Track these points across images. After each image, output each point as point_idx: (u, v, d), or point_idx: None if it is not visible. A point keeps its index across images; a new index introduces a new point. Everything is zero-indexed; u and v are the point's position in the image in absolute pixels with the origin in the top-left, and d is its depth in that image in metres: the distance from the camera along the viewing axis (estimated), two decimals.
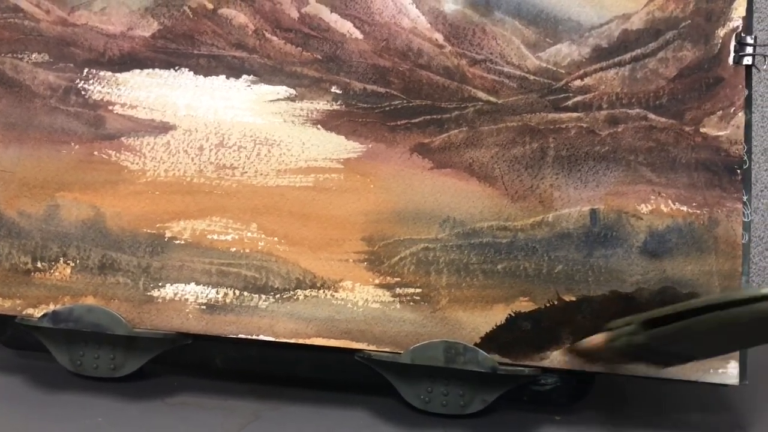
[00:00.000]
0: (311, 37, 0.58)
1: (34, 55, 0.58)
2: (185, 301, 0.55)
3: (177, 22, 0.58)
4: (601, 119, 0.56)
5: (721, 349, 0.52)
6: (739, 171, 0.56)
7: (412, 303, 0.55)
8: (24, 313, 0.55)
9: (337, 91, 0.57)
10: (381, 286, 0.55)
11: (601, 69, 0.57)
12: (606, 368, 0.54)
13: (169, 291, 0.55)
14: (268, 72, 0.57)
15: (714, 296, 0.52)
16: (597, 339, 0.52)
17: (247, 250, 0.56)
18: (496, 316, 0.54)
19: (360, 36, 0.57)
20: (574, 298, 0.54)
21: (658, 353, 0.50)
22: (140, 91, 0.57)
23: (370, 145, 0.56)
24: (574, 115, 0.56)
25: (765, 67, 0.58)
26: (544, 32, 0.57)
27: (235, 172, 0.56)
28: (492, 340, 0.54)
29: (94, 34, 0.58)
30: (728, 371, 0.54)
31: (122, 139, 0.57)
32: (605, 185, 0.56)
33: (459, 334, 0.54)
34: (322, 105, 0.57)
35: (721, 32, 0.57)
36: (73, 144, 0.57)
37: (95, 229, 0.56)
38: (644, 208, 0.55)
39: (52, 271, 0.56)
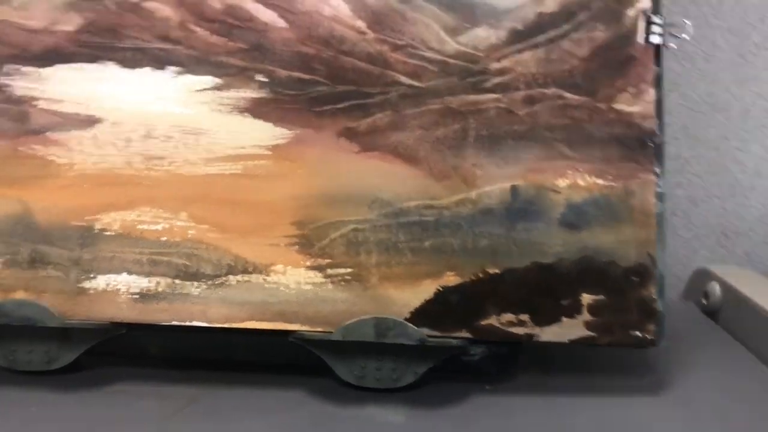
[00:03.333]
0: (235, 27, 0.59)
1: None
2: (118, 291, 0.56)
3: (100, 16, 0.58)
4: (519, 99, 0.59)
5: None
6: (651, 144, 0.59)
7: (343, 283, 0.56)
8: None
9: (263, 79, 0.58)
10: (312, 267, 0.56)
11: (518, 51, 0.59)
12: (529, 338, 0.56)
13: (101, 282, 0.56)
14: (193, 63, 0.58)
15: None
16: None
17: (178, 239, 0.56)
18: (425, 291, 0.56)
19: (283, 24, 0.59)
20: (498, 271, 0.57)
21: None
22: (65, 86, 0.57)
23: (297, 131, 0.58)
24: (493, 96, 0.58)
25: (673, 45, 0.62)
26: (462, 17, 0.59)
27: (163, 162, 0.57)
28: (421, 315, 0.56)
29: (14, 30, 0.58)
30: (647, 333, 0.57)
31: (48, 133, 0.57)
32: (524, 162, 0.58)
33: (390, 310, 0.56)
34: (249, 93, 0.58)
35: (631, 12, 0.59)
36: None
37: (23, 224, 0.56)
38: (562, 183, 0.58)
39: None
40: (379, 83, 0.58)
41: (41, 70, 0.58)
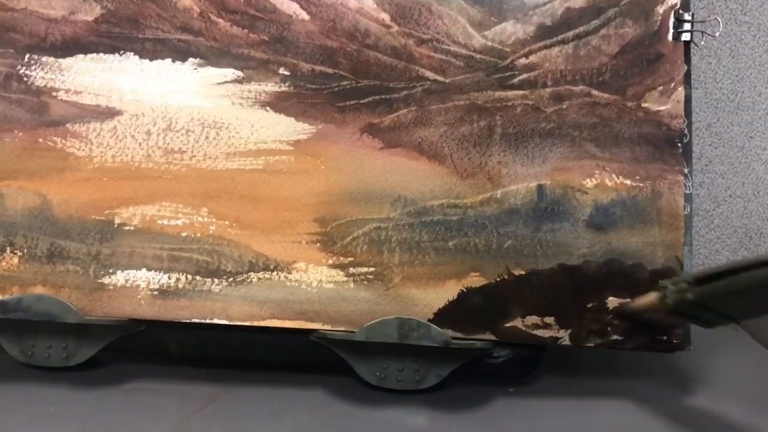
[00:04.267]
0: (257, 18, 0.57)
1: None
2: (137, 287, 0.55)
3: (120, 6, 0.57)
4: (546, 96, 0.57)
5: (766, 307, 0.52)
6: (680, 144, 0.57)
7: (365, 282, 0.55)
8: None
9: (285, 73, 0.57)
10: (334, 266, 0.55)
11: (545, 47, 0.58)
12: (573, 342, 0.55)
13: (120, 278, 0.55)
14: (214, 54, 0.57)
15: (764, 254, 0.52)
16: (649, 297, 0.53)
17: (198, 235, 0.55)
18: (448, 291, 0.55)
19: (307, 17, 0.57)
20: (523, 272, 0.56)
21: (707, 311, 0.51)
22: (84, 77, 0.56)
23: (319, 126, 0.56)
24: (520, 92, 0.57)
25: (703, 42, 0.60)
26: (489, 11, 0.58)
27: (183, 156, 0.56)
28: (445, 316, 0.55)
29: (34, 19, 0.57)
30: (673, 338, 0.56)
31: (67, 125, 0.56)
32: (551, 161, 0.57)
33: (412, 310, 0.55)
34: (271, 87, 0.57)
35: (661, 9, 0.58)
36: (16, 131, 0.56)
37: (42, 218, 0.55)
38: (589, 183, 0.57)
39: None
40: (404, 78, 0.57)
41: (61, 60, 0.57)
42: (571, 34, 0.58)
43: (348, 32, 0.57)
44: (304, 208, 0.56)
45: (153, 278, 0.55)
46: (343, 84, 0.57)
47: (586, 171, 0.57)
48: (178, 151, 0.56)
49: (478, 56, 0.57)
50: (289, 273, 0.55)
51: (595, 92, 0.58)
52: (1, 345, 0.55)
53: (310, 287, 0.55)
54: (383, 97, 0.57)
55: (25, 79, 0.56)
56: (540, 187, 0.57)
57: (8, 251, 0.55)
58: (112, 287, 0.55)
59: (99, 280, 0.55)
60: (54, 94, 0.56)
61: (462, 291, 0.55)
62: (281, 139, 0.56)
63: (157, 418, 0.51)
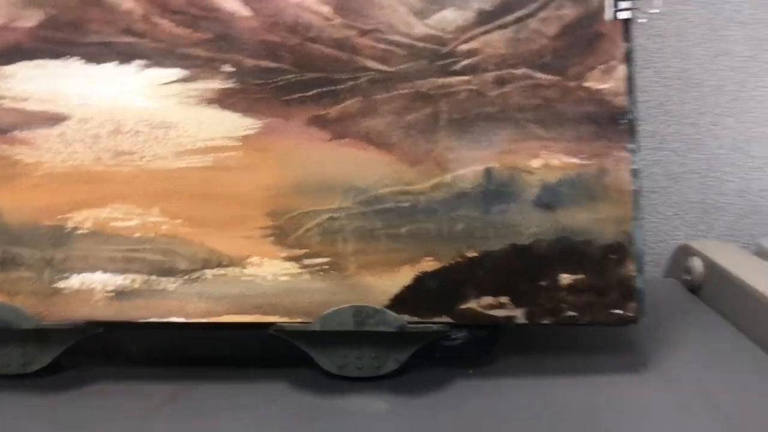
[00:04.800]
0: (200, 18, 0.58)
1: None
2: (93, 290, 0.55)
3: (62, 11, 0.58)
4: (489, 81, 0.58)
5: None
6: (623, 121, 0.59)
7: (321, 273, 0.56)
8: None
9: (230, 69, 0.57)
10: (289, 258, 0.56)
11: (486, 32, 0.59)
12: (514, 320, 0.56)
13: (75, 281, 0.55)
14: (159, 55, 0.57)
15: None
16: None
17: (152, 235, 0.56)
18: (404, 277, 0.56)
19: (248, 13, 0.58)
20: (476, 254, 0.56)
21: None
22: (29, 83, 0.57)
23: (266, 121, 0.57)
24: (463, 78, 0.58)
25: (644, 20, 0.61)
26: None
27: (133, 158, 0.56)
28: (401, 301, 0.56)
29: None
30: (627, 311, 0.57)
31: (15, 132, 0.56)
32: (497, 144, 0.58)
33: (369, 298, 0.55)
34: (216, 84, 0.57)
35: None
36: None
37: None
38: (535, 163, 0.58)
39: None
40: (348, 69, 0.58)
41: (4, 67, 0.57)
42: (510, 18, 0.59)
43: (290, 26, 0.58)
44: (255, 203, 0.56)
45: (108, 280, 0.55)
46: (287, 77, 0.57)
47: (531, 152, 0.58)
48: (127, 153, 0.56)
49: (420, 44, 0.58)
50: (244, 268, 0.55)
51: (536, 74, 0.59)
52: None
53: (266, 281, 0.55)
54: (328, 88, 0.57)
55: None
56: (488, 170, 0.57)
57: None
58: (67, 291, 0.55)
59: (54, 285, 0.55)
60: None
61: (417, 276, 0.56)
62: (229, 136, 0.57)
63: (118, 418, 0.51)
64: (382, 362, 0.56)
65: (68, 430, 0.50)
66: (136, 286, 0.55)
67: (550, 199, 0.57)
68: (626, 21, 0.59)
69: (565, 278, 0.57)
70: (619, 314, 0.57)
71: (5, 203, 0.55)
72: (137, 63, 0.57)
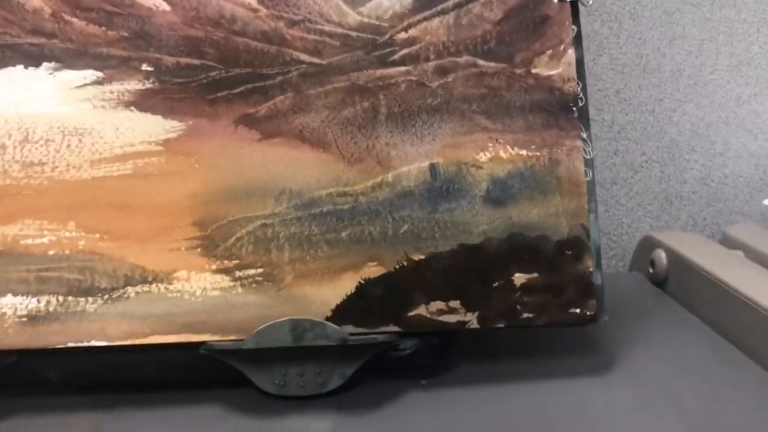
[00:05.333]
0: (115, 14, 0.53)
1: None
2: (3, 315, 0.50)
3: None
4: (430, 71, 0.54)
5: None
6: (575, 109, 0.55)
7: (254, 285, 0.51)
8: None
9: (149, 69, 0.53)
10: (219, 271, 0.51)
11: (425, 19, 0.55)
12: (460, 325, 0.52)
13: None
14: (71, 56, 0.53)
15: None
16: None
17: (67, 252, 0.51)
18: (346, 285, 0.52)
19: (167, 7, 0.53)
20: (422, 257, 0.53)
21: None
22: None
23: (190, 122, 0.53)
24: (402, 69, 0.54)
25: (590, 2, 0.58)
26: None
27: (44, 169, 0.52)
28: (344, 312, 0.52)
29: None
30: (586, 310, 0.53)
31: None
32: (442, 138, 0.54)
33: (308, 310, 0.51)
34: (134, 85, 0.53)
35: None
36: None
37: None
38: (483, 157, 0.54)
39: None
40: (277, 63, 0.53)
41: None
42: (450, 3, 0.55)
43: (213, 20, 0.53)
44: (180, 212, 0.52)
45: (20, 304, 0.50)
46: (211, 75, 0.53)
47: (479, 145, 0.54)
48: (38, 164, 0.52)
49: (355, 34, 0.54)
50: (170, 283, 0.51)
51: (481, 62, 0.55)
52: None
53: (194, 296, 0.51)
54: (257, 84, 0.53)
55: None
56: (432, 166, 0.54)
57: None
58: None
59: None
60: None
61: (360, 283, 0.52)
62: (149, 140, 0.52)
63: None
64: (326, 378, 0.51)
65: None
66: (51, 308, 0.50)
67: (500, 194, 0.54)
68: (573, 3, 0.56)
69: (519, 278, 0.53)
70: (578, 313, 0.54)
71: None
72: (47, 66, 0.52)
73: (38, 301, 0.50)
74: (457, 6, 0.55)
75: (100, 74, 0.53)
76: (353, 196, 0.53)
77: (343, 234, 0.52)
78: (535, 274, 0.53)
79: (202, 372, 0.53)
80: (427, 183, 0.53)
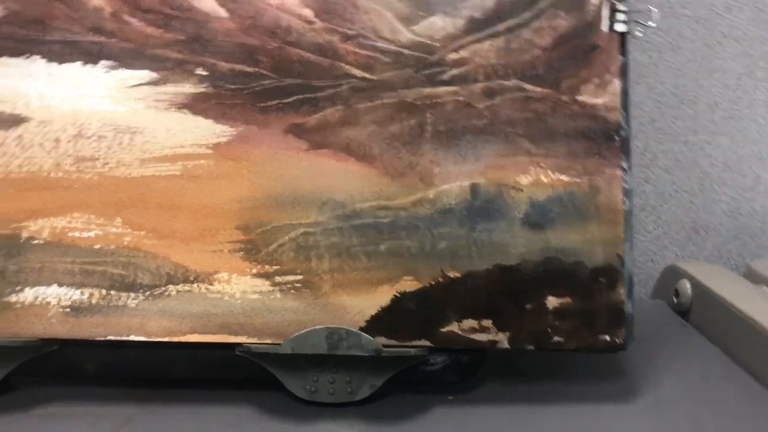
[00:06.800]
0: (173, 17, 0.54)
1: None
2: (47, 304, 0.51)
3: (26, 7, 0.54)
4: (478, 92, 0.55)
5: None
6: (617, 138, 0.56)
7: (293, 291, 0.52)
8: None
9: (203, 73, 0.54)
10: (259, 275, 0.52)
11: (476, 41, 0.56)
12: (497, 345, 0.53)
13: (28, 295, 0.51)
14: (128, 56, 0.54)
15: None
16: None
17: (113, 247, 0.52)
18: (381, 297, 0.53)
19: (225, 14, 0.55)
20: (458, 274, 0.53)
21: None
22: None
23: (240, 128, 0.54)
24: (451, 89, 0.55)
25: (640, 33, 0.59)
26: (416, 5, 0.55)
27: (95, 164, 0.53)
28: (378, 323, 0.52)
29: None
30: (616, 338, 0.54)
31: None
32: (484, 159, 0.55)
33: (344, 319, 0.52)
34: (188, 88, 0.54)
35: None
36: None
37: None
38: (524, 180, 0.55)
39: None
40: (329, 76, 0.55)
41: None
42: (502, 27, 0.56)
43: (269, 29, 0.54)
44: (225, 215, 0.53)
45: (64, 294, 0.51)
46: (264, 83, 0.54)
47: (520, 168, 0.55)
48: (89, 159, 0.53)
49: (407, 52, 0.55)
50: (211, 284, 0.52)
51: (528, 86, 0.56)
52: None
53: (234, 299, 0.52)
54: (308, 96, 0.54)
55: None
56: (474, 186, 0.54)
57: None
58: (19, 305, 0.51)
59: (5, 299, 0.51)
60: None
61: (395, 296, 0.53)
62: (200, 143, 0.53)
63: None
64: (356, 387, 0.52)
65: None
66: (94, 301, 0.51)
67: (539, 217, 0.54)
68: (622, 34, 0.57)
69: (552, 301, 0.54)
70: (607, 341, 0.54)
71: None
72: (104, 64, 0.54)
73: (82, 293, 0.52)
74: (508, 30, 0.56)
75: (155, 75, 0.54)
76: (394, 210, 0.54)
77: (382, 247, 0.53)
78: (568, 299, 0.54)
79: (234, 373, 0.54)
80: (467, 202, 0.54)
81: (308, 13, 0.55)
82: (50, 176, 0.52)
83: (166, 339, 0.51)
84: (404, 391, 0.54)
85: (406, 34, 0.55)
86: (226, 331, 0.52)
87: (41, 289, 0.51)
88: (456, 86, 0.55)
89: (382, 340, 0.52)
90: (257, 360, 0.52)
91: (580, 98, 0.56)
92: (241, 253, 0.52)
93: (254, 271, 0.52)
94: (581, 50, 0.56)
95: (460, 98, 0.55)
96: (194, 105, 0.54)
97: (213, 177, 0.53)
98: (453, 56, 0.55)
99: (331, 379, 0.52)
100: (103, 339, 0.51)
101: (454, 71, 0.55)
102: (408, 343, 0.52)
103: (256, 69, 0.54)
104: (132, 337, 0.51)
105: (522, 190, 0.55)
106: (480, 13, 0.56)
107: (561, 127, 0.55)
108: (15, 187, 0.52)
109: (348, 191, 0.54)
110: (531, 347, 0.53)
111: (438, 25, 0.56)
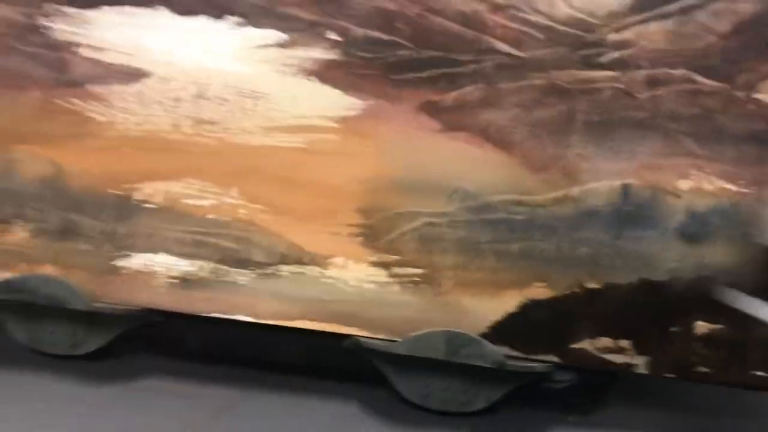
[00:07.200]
0: None
1: None
2: (155, 273, 0.49)
3: None
4: (640, 80, 0.49)
5: None
6: None
7: (411, 285, 0.48)
8: None
9: (335, 38, 0.49)
10: (377, 264, 0.48)
11: (643, 21, 0.49)
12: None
13: (136, 261, 0.49)
14: (256, 13, 0.50)
15: None
16: None
17: (227, 218, 0.49)
18: (507, 303, 0.48)
19: None
20: (597, 286, 0.48)
21: None
22: (110, 32, 0.50)
23: (370, 102, 0.49)
24: (609, 73, 0.49)
25: None
26: None
27: (215, 128, 0.50)
28: (501, 331, 0.48)
29: None
30: None
31: (88, 86, 0.50)
32: (640, 157, 0.48)
33: (464, 322, 0.48)
34: (318, 53, 0.49)
35: None
36: (32, 90, 0.50)
37: (55, 188, 0.49)
38: (683, 185, 0.48)
39: (6, 234, 0.49)
40: (472, 50, 0.49)
41: (85, 12, 0.50)
42: (674, 7, 0.49)
43: None
44: (346, 196, 0.49)
45: (174, 264, 0.49)
46: (400, 53, 0.49)
47: (680, 170, 0.48)
48: (209, 122, 0.50)
49: (562, 28, 0.49)
50: (325, 269, 0.48)
51: (698, 78, 0.49)
52: (7, 326, 0.50)
53: (348, 286, 0.48)
54: (446, 70, 0.49)
55: (43, 31, 0.50)
56: (625, 187, 0.48)
57: (18, 224, 0.49)
58: (126, 271, 0.49)
59: (112, 263, 0.49)
60: (74, 49, 0.50)
61: (524, 303, 0.48)
62: (326, 115, 0.49)
63: (163, 426, 0.45)
64: (471, 398, 0.48)
65: (103, 431, 0.44)
66: (203, 274, 0.49)
67: (696, 229, 0.48)
68: None
69: (701, 327, 0.48)
70: (761, 377, 0.48)
71: (70, 165, 0.49)
72: (231, 20, 0.50)
73: (191, 265, 0.49)
74: (681, 11, 0.49)
75: (284, 36, 0.50)
76: (531, 207, 0.48)
77: (514, 247, 0.48)
78: (720, 326, 0.47)
79: (342, 363, 0.50)
80: (615, 204, 0.48)
81: None
82: (168, 137, 0.50)
83: (274, 322, 0.48)
84: (521, 406, 0.50)
85: (563, 9, 0.49)
86: (337, 320, 0.48)
87: (149, 256, 0.49)
88: (615, 71, 0.49)
89: (504, 349, 0.47)
90: (367, 355, 0.48)
91: (758, 96, 0.48)
92: (360, 238, 0.48)
93: (372, 259, 0.48)
94: (765, 41, 0.49)
95: (619, 85, 0.49)
96: (323, 73, 0.49)
97: (337, 153, 0.49)
98: (614, 37, 0.49)
99: (444, 386, 0.48)
100: (209, 315, 0.48)
101: (615, 54, 0.49)
102: (533, 357, 0.47)
103: (392, 37, 0.49)
104: (239, 317, 0.48)
105: (680, 197, 0.48)
106: None
107: (731, 127, 0.48)
108: (131, 146, 0.50)
109: (481, 181, 0.49)
110: (672, 375, 0.47)
111: (600, 0, 0.49)
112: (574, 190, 0.49)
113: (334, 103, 0.50)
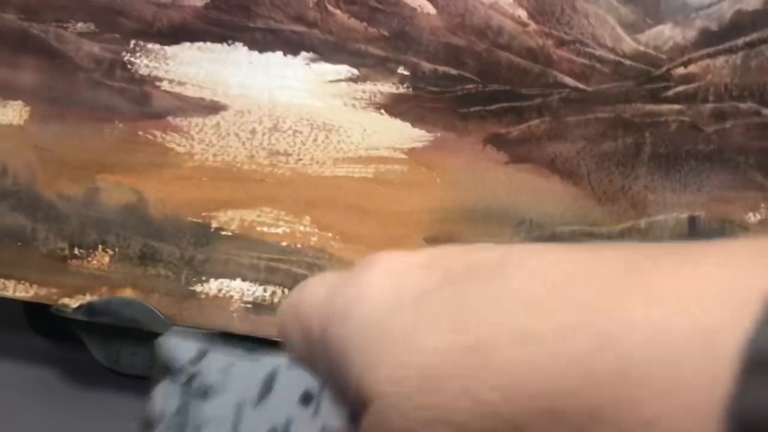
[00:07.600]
0: (378, 11, 0.52)
1: (79, 25, 0.54)
2: (230, 298, 0.51)
3: None
4: (707, 113, 0.49)
5: None
6: None
7: None
8: (59, 302, 0.52)
9: (405, 72, 0.51)
10: None
11: (709, 56, 0.49)
12: None
13: (213, 286, 0.51)
14: (329, 49, 0.52)
15: None
16: None
17: (299, 246, 0.51)
18: None
19: (432, 11, 0.51)
20: None
21: None
22: (190, 67, 0.53)
23: (438, 134, 0.50)
24: (676, 107, 0.49)
25: None
26: (643, 11, 0.50)
27: (289, 159, 0.51)
28: None
29: (142, 3, 0.53)
30: None
31: (169, 118, 0.52)
32: (708, 189, 0.49)
33: None
34: (387, 87, 0.51)
35: None
36: (116, 122, 0.52)
37: (137, 216, 0.52)
38: (753, 218, 0.48)
39: (90, 258, 0.52)
40: (539, 84, 0.50)
41: (167, 48, 0.53)
42: (741, 41, 0.49)
43: (478, 29, 0.51)
44: (415, 225, 0.50)
45: (247, 290, 0.51)
46: (468, 87, 0.50)
47: (749, 204, 0.48)
48: (283, 153, 0.52)
49: (628, 62, 0.50)
50: None
51: (766, 111, 0.49)
52: (87, 345, 0.52)
53: None
54: (513, 104, 0.50)
55: (129, 66, 0.53)
56: (693, 219, 0.48)
57: (100, 249, 0.52)
58: (203, 296, 0.51)
59: (191, 288, 0.51)
60: (157, 84, 0.53)
61: None
62: (395, 146, 0.51)
63: None
64: None
65: None
66: (276, 299, 0.50)
67: None
68: None
69: None
70: None
71: (152, 193, 0.52)
72: (304, 55, 0.52)
73: (264, 290, 0.51)
74: (748, 45, 0.49)
75: (355, 71, 0.51)
76: (599, 238, 0.49)
77: None
78: None
79: None
80: (683, 237, 0.48)
81: (522, 13, 0.50)
82: (244, 167, 0.52)
83: None
84: None
85: (629, 43, 0.50)
86: None
87: (225, 282, 0.51)
88: (682, 105, 0.49)
89: None
90: None
91: None
92: None
93: None
94: None
95: (686, 118, 0.49)
96: (392, 106, 0.51)
97: (406, 183, 0.50)
98: (681, 71, 0.49)
99: None
100: (280, 340, 0.50)
101: (681, 88, 0.49)
102: None
103: (461, 71, 0.51)
104: None
105: (749, 230, 0.48)
106: (716, 24, 0.49)
107: None
108: (209, 175, 0.52)
109: (548, 212, 0.49)
110: None
111: (666, 35, 0.50)
112: (642, 222, 0.49)
113: (402, 134, 0.51)
